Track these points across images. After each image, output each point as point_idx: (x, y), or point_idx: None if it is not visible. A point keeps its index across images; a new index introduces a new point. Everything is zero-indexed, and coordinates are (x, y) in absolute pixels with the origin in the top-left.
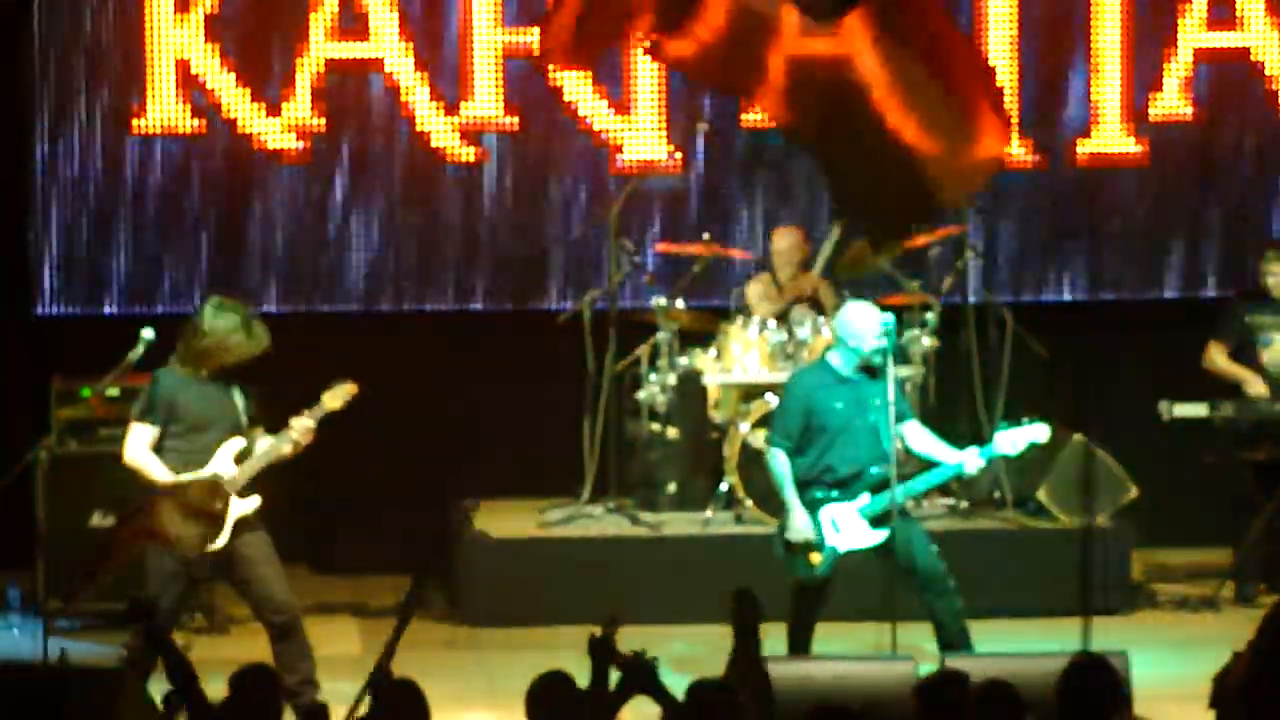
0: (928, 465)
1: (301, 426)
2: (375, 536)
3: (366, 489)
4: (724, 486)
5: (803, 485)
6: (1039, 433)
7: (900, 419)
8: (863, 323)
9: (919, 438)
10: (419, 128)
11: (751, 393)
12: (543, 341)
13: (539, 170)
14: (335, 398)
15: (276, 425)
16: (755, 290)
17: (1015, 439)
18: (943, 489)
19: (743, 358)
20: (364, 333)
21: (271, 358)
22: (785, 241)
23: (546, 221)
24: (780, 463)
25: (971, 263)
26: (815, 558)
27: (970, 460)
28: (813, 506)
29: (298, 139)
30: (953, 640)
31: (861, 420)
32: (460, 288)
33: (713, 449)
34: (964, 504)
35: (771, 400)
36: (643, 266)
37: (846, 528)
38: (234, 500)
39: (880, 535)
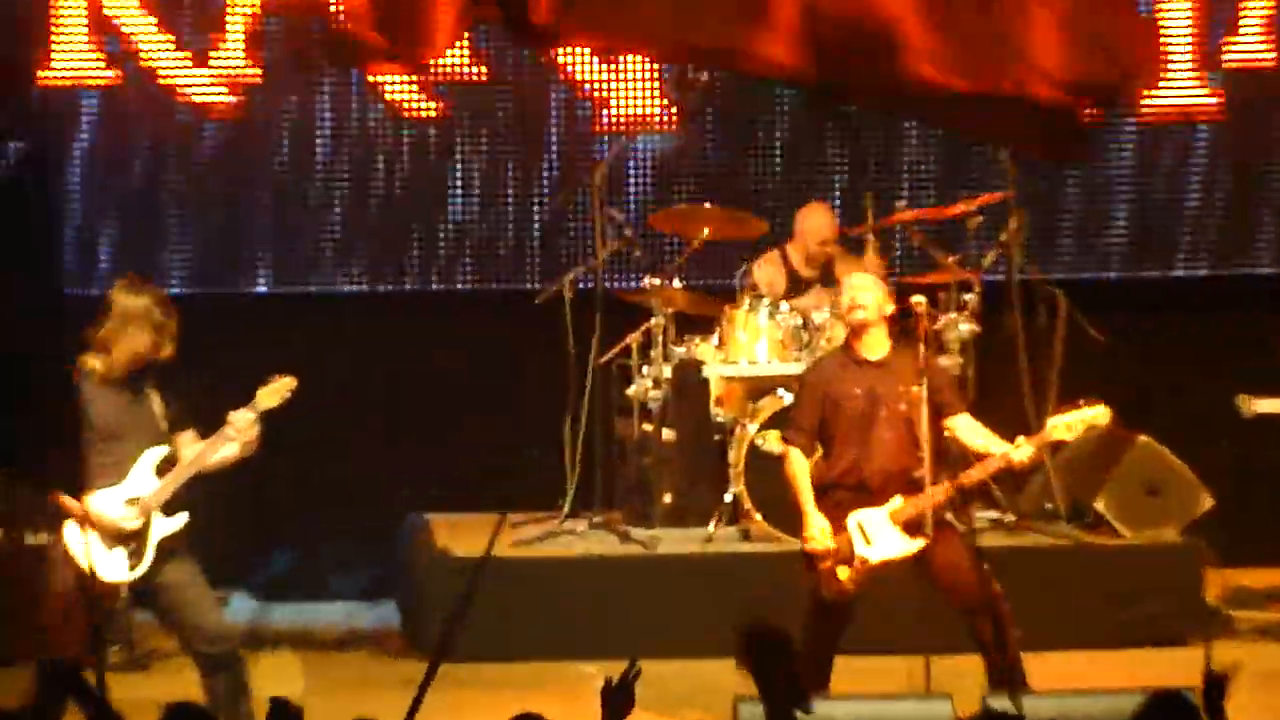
0: (977, 459)
1: (242, 421)
2: (321, 557)
3: (310, 501)
4: (728, 497)
5: (823, 488)
6: (1098, 415)
7: (943, 411)
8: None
9: (970, 432)
10: (372, 78)
11: (760, 387)
12: (515, 328)
13: (511, 127)
14: (272, 394)
15: (206, 429)
16: (765, 270)
17: (1070, 422)
18: (986, 498)
19: (750, 347)
20: (305, 318)
21: (196, 348)
22: (812, 219)
23: (520, 187)
24: (796, 462)
25: (1018, 233)
26: (842, 572)
27: (1019, 448)
28: (835, 512)
29: (230, 92)
30: (1002, 675)
31: (890, 410)
32: (419, 264)
33: (715, 453)
34: (1010, 517)
35: (784, 396)
36: (633, 240)
37: (877, 536)
38: (156, 519)
39: (916, 545)
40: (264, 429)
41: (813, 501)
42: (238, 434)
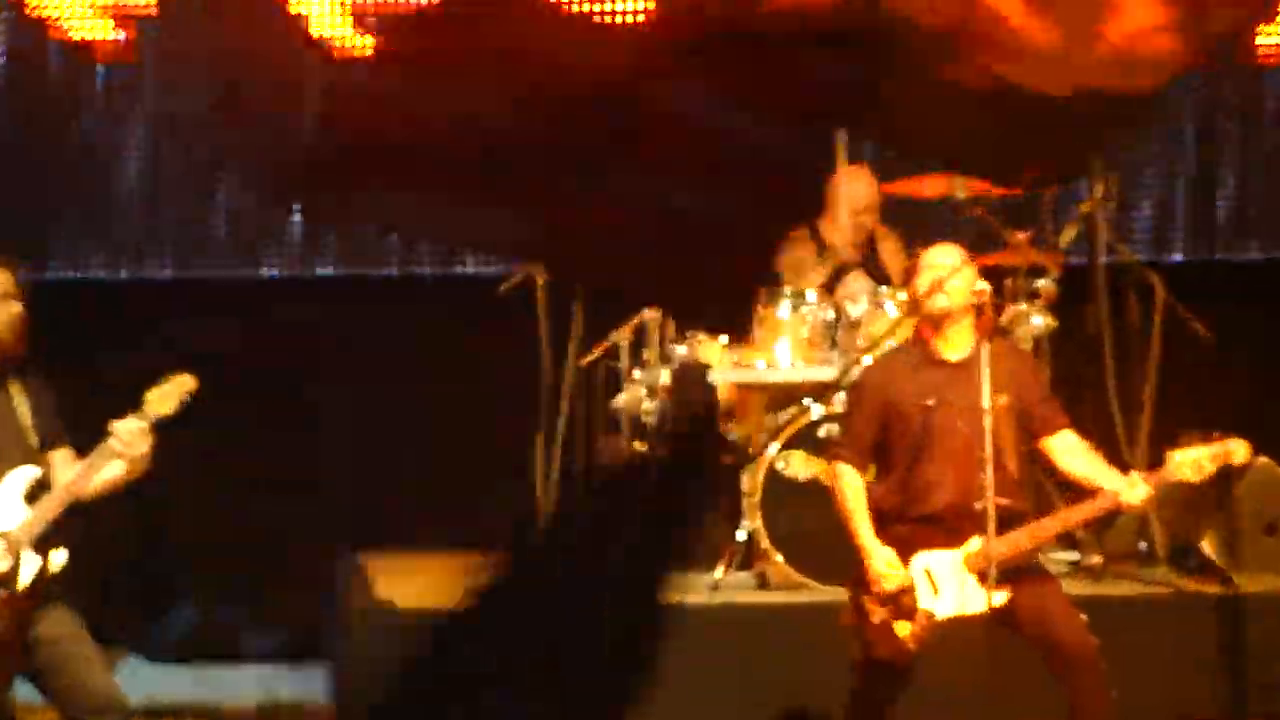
0: (1081, 495)
1: (128, 431)
2: (231, 611)
3: (217, 540)
4: (741, 535)
5: (882, 519)
6: (1234, 452)
7: (1037, 427)
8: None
9: (1073, 454)
10: (294, 8)
11: (782, 397)
12: (472, 321)
13: (461, 58)
14: (165, 398)
15: (85, 445)
16: (790, 251)
17: (1200, 460)
18: (1066, 537)
19: (769, 346)
20: (209, 308)
21: (73, 344)
22: (849, 186)
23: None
24: (849, 482)
25: (1104, 205)
26: (902, 628)
27: (1134, 487)
28: (900, 552)
29: (116, 26)
30: None
31: (972, 425)
32: (350, 240)
33: (725, 480)
34: (1095, 559)
35: (813, 409)
36: None
37: (947, 585)
38: (27, 556)
39: (997, 599)
40: (157, 442)
41: (872, 531)
42: (124, 448)
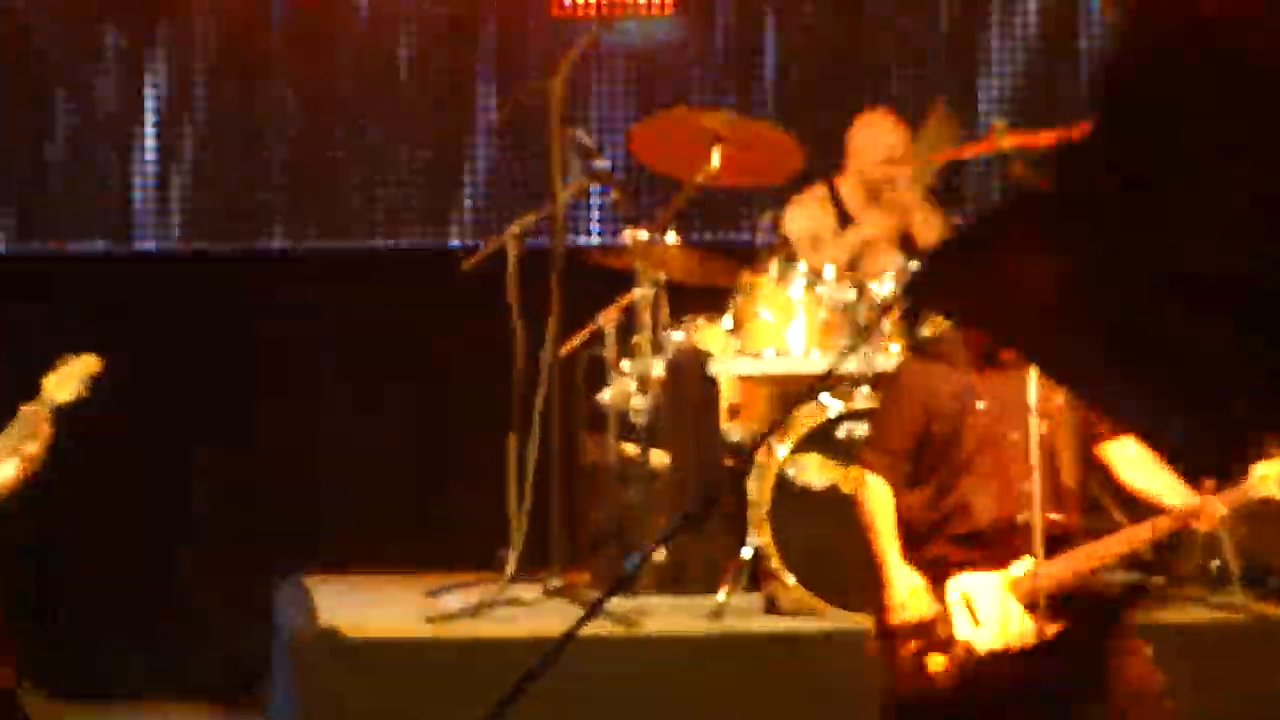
0: (1145, 511)
1: (23, 425)
2: (157, 642)
3: (137, 559)
4: (747, 552)
5: (915, 537)
6: None
7: (1096, 434)
8: None
9: (1134, 464)
10: None
11: (794, 392)
12: (435, 302)
13: (431, 12)
14: (65, 381)
15: None
16: (802, 214)
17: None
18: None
19: (779, 332)
20: (121, 285)
21: None
22: (870, 134)
23: (447, 98)
24: (877, 496)
25: None
26: (935, 662)
27: (1207, 508)
28: (931, 573)
29: None
30: None
31: (1023, 431)
32: (298, 212)
33: (728, 488)
34: (1159, 579)
35: (830, 406)
36: (608, 176)
37: (989, 614)
38: None
39: (1053, 628)
40: (56, 435)
41: (898, 552)
42: (21, 439)
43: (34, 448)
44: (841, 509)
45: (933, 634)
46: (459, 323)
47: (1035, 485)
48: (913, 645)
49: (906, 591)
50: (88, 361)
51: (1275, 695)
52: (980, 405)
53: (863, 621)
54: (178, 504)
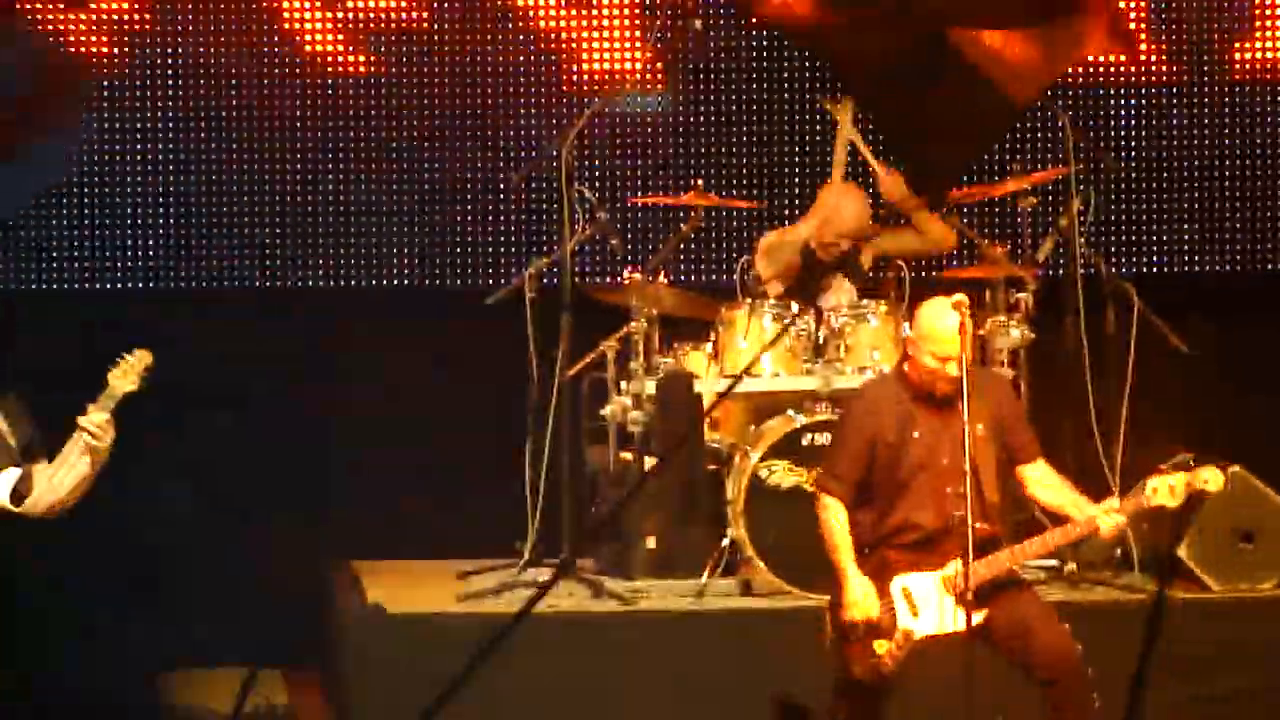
0: (1052, 520)
1: (93, 423)
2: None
3: (195, 547)
4: (726, 541)
5: (866, 545)
6: (1210, 480)
7: (1015, 455)
8: (939, 322)
9: (1045, 484)
10: (288, 26)
11: (766, 406)
12: (462, 334)
13: (456, 86)
14: (126, 374)
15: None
16: (772, 252)
17: (1174, 485)
18: None
19: (753, 356)
20: (183, 317)
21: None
22: (846, 207)
23: (468, 159)
24: (835, 515)
25: (1081, 219)
26: (880, 646)
27: (1107, 516)
28: (881, 573)
29: (109, 41)
30: None
31: (951, 457)
32: (340, 255)
33: (710, 488)
34: (1070, 566)
35: (796, 418)
36: (609, 226)
37: (925, 606)
38: None
39: (973, 619)
40: (129, 447)
41: (853, 560)
42: (93, 437)
43: (108, 442)
44: (805, 506)
45: (879, 624)
46: (485, 349)
47: (967, 501)
48: (863, 633)
49: (860, 594)
50: (143, 356)
51: (1173, 664)
52: (916, 435)
53: (821, 602)
54: (248, 485)
